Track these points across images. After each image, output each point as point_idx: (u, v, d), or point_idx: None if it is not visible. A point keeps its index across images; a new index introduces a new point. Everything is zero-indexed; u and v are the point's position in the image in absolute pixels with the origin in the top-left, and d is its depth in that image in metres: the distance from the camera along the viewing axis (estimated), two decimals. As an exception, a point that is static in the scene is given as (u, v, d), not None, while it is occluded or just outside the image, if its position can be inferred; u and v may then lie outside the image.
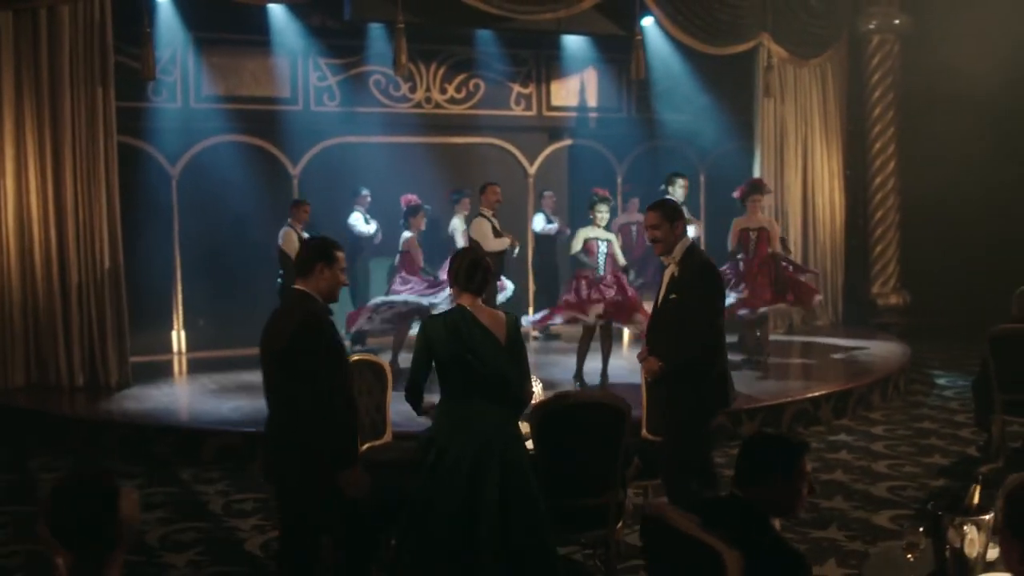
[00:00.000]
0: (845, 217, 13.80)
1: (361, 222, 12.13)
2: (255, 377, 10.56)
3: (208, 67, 12.04)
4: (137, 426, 8.81)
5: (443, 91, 13.22)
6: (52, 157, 9.92)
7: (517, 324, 4.97)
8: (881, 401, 10.25)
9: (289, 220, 10.74)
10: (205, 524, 7.00)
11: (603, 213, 9.80)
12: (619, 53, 13.71)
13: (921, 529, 3.91)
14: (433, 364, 4.84)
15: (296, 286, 4.64)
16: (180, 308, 12.27)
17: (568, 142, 14.20)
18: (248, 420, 9.02)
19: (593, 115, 14.21)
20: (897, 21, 13.84)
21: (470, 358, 4.73)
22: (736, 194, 10.98)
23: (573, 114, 14.13)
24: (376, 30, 12.31)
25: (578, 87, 14.07)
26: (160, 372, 11.02)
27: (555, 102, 13.93)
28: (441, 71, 13.16)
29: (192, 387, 10.37)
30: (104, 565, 2.69)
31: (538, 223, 12.83)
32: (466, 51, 13.06)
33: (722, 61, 12.87)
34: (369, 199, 12.27)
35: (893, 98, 13.91)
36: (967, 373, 11.77)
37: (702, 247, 9.38)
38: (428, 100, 13.15)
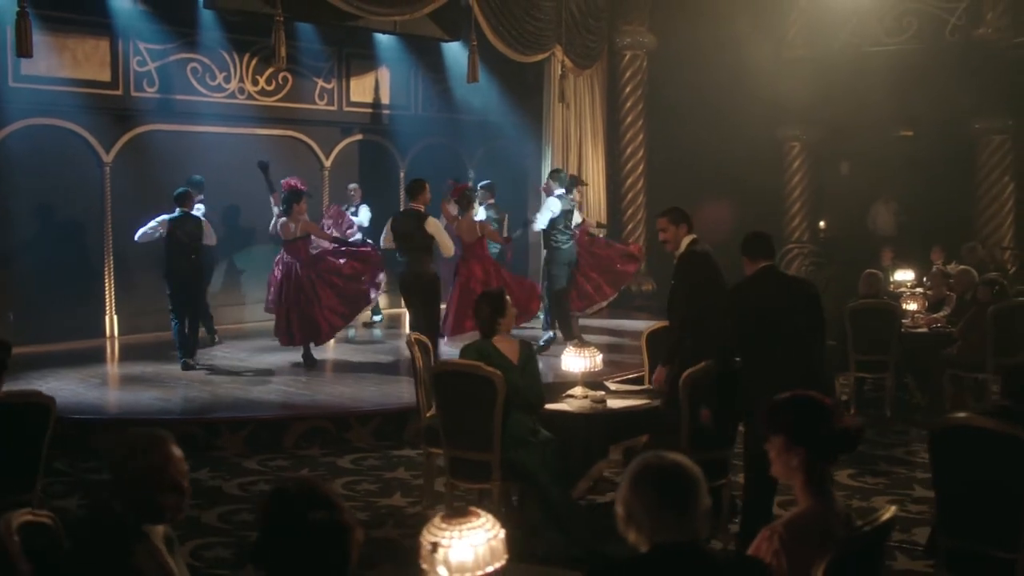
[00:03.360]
0: (608, 214, 15.45)
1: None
2: (121, 369, 10.45)
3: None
4: (75, 422, 8.44)
5: (255, 83, 13.28)
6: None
7: (529, 350, 6.41)
8: (704, 371, 11.91)
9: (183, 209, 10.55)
10: (249, 506, 7.12)
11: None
12: (415, 55, 14.53)
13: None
14: None
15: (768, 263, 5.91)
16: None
17: (359, 137, 14.70)
18: (191, 409, 8.98)
19: (386, 112, 14.82)
20: (645, 39, 15.69)
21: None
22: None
23: (369, 110, 14.67)
24: (206, 16, 12.21)
25: (374, 85, 14.63)
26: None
27: (354, 98, 14.39)
28: (254, 63, 13.21)
29: (72, 381, 9.89)
30: None
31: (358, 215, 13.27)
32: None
33: (511, 69, 14.06)
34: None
35: (642, 108, 15.77)
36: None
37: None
38: (241, 91, 13.16)
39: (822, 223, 17.45)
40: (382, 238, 10.42)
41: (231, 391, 9.64)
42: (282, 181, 10.96)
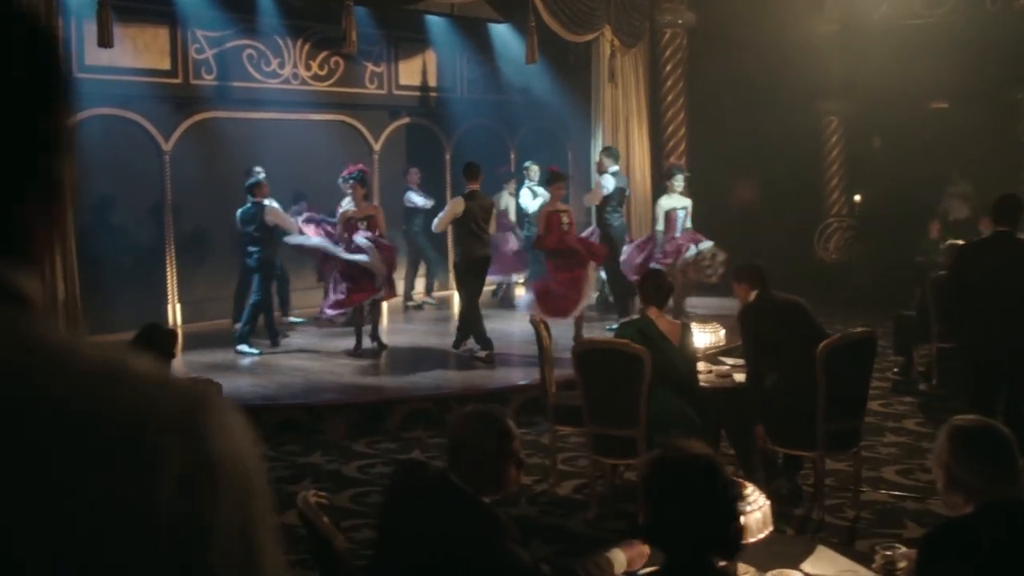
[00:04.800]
0: (652, 192, 15.49)
1: (416, 197, 13.00)
2: (197, 357, 10.48)
3: (92, 35, 11.27)
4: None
5: (308, 68, 13.27)
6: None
7: (689, 331, 6.50)
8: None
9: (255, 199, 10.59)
10: (376, 488, 7.18)
11: (679, 182, 11.68)
12: (463, 37, 14.53)
13: None
14: None
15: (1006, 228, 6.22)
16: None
17: (406, 120, 14.71)
18: (293, 394, 9.00)
19: (433, 94, 14.83)
20: (685, 17, 15.69)
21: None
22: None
23: (417, 93, 14.67)
24: (263, 1, 12.19)
25: (421, 67, 14.64)
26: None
27: (403, 81, 14.40)
28: (307, 48, 13.20)
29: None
30: None
31: (414, 199, 13.26)
32: (330, 29, 13.13)
33: (554, 49, 14.08)
34: (418, 176, 13.32)
35: (683, 86, 15.79)
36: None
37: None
38: (295, 76, 13.15)
39: (857, 197, 17.54)
40: (438, 222, 10.55)
41: (323, 376, 9.68)
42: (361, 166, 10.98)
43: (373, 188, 14.12)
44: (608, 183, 12.24)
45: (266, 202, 10.67)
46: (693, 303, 12.52)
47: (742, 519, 2.63)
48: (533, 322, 7.31)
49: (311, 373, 9.79)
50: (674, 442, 2.73)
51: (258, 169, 11.53)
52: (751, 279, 6.74)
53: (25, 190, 0.96)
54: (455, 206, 10.33)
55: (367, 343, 10.61)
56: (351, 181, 10.73)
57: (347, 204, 11.09)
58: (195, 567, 0.87)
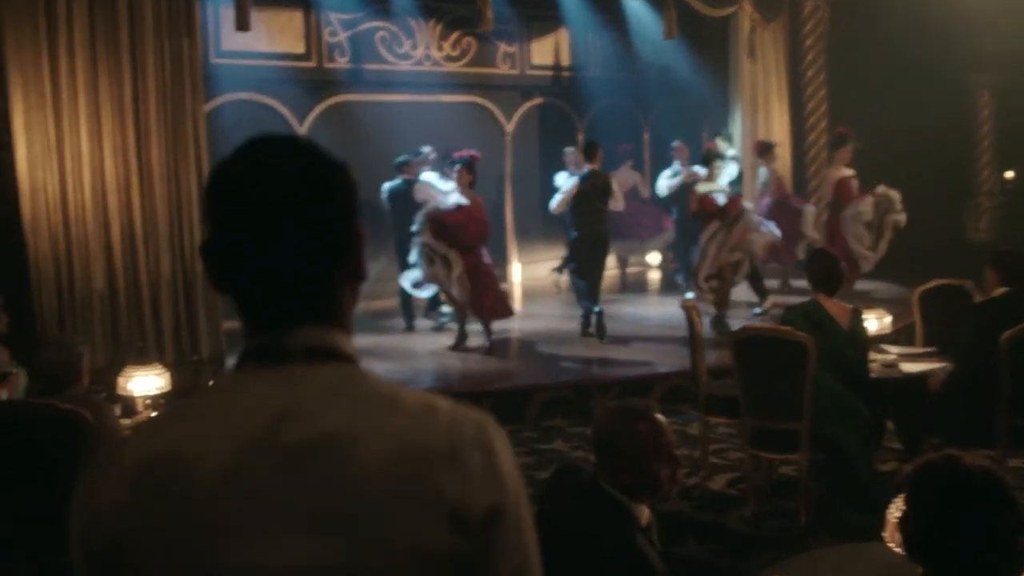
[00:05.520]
0: (793, 172, 14.94)
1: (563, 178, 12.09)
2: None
3: (228, 21, 11.30)
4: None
5: (440, 48, 13.12)
6: (133, 117, 9.19)
7: (859, 316, 6.12)
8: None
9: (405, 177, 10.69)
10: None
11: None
12: (595, 13, 14.18)
13: None
14: None
15: None
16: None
17: (539, 100, 14.46)
18: (432, 382, 8.86)
19: (565, 73, 14.54)
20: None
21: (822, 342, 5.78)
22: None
23: (550, 72, 14.39)
24: (392, -18, 12.11)
25: (554, 46, 14.35)
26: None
27: (535, 60, 14.13)
28: (439, 28, 13.04)
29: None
30: None
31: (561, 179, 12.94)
32: (462, 8, 12.93)
33: (690, 24, 13.61)
34: (576, 157, 12.61)
35: (824, 62, 15.17)
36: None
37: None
38: (427, 58, 13.01)
39: (1009, 174, 16.61)
40: (555, 204, 10.37)
41: (459, 363, 9.50)
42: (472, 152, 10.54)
43: (506, 170, 13.98)
44: (732, 169, 11.86)
45: (421, 177, 10.52)
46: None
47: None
48: (685, 307, 6.99)
49: (447, 359, 9.63)
50: (952, 454, 2.31)
51: (427, 148, 11.26)
52: (1005, 272, 6.21)
53: (339, 271, 1.43)
54: (571, 188, 10.20)
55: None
56: (459, 166, 10.12)
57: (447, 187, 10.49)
58: (495, 539, 1.31)
